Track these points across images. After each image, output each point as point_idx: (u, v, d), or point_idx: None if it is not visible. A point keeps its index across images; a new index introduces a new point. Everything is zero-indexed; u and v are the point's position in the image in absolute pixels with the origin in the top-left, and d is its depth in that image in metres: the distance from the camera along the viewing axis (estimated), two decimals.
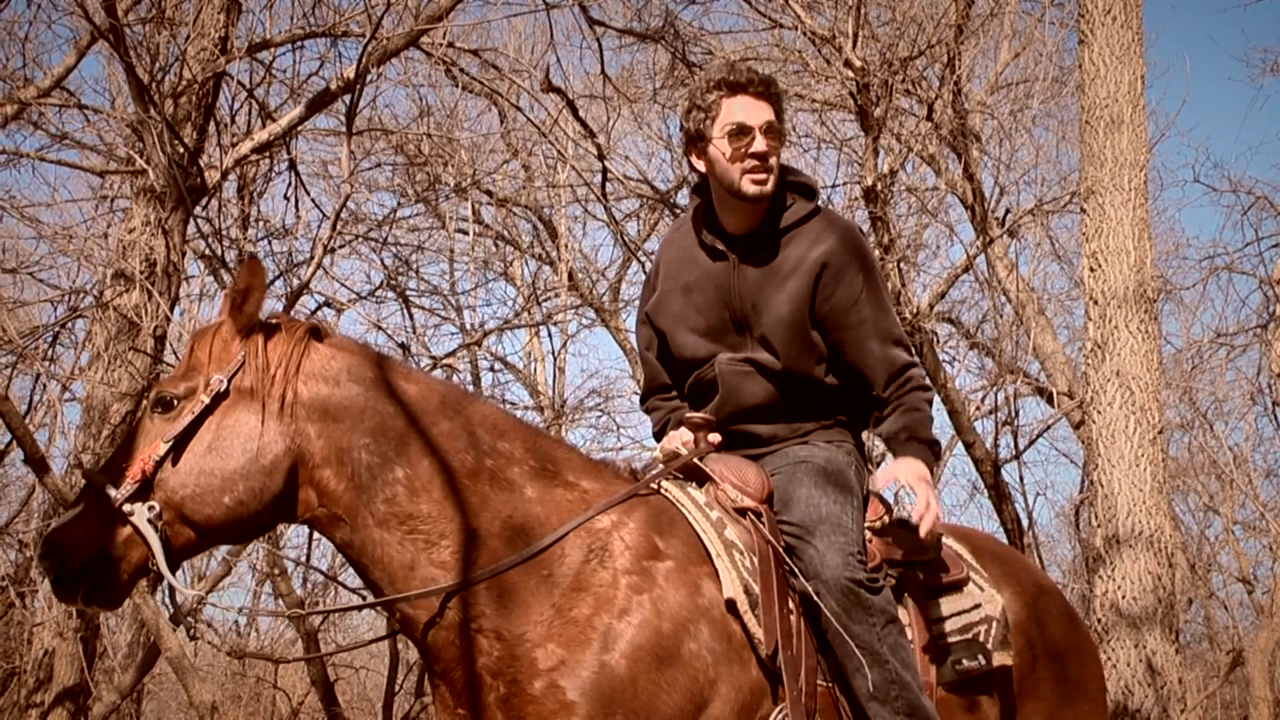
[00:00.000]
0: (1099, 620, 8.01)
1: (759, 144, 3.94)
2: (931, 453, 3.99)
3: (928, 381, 4.11)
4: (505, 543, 3.52)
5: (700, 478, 3.90)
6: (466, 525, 3.52)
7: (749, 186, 3.96)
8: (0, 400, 7.38)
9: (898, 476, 3.92)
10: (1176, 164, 46.31)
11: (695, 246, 4.15)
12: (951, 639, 3.99)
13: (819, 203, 4.13)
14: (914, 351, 4.13)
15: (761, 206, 4.03)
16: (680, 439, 4.01)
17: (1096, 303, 8.46)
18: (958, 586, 4.11)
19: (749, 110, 3.97)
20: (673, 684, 3.42)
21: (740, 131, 3.96)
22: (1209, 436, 19.07)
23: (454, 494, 3.53)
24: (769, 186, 3.97)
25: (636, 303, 5.44)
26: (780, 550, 3.70)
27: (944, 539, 4.30)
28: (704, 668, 3.47)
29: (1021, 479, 15.29)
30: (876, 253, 12.69)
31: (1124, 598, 7.97)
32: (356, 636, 18.95)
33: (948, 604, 4.05)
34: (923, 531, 3.81)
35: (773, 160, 3.97)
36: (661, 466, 3.93)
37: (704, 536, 3.69)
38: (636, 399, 4.52)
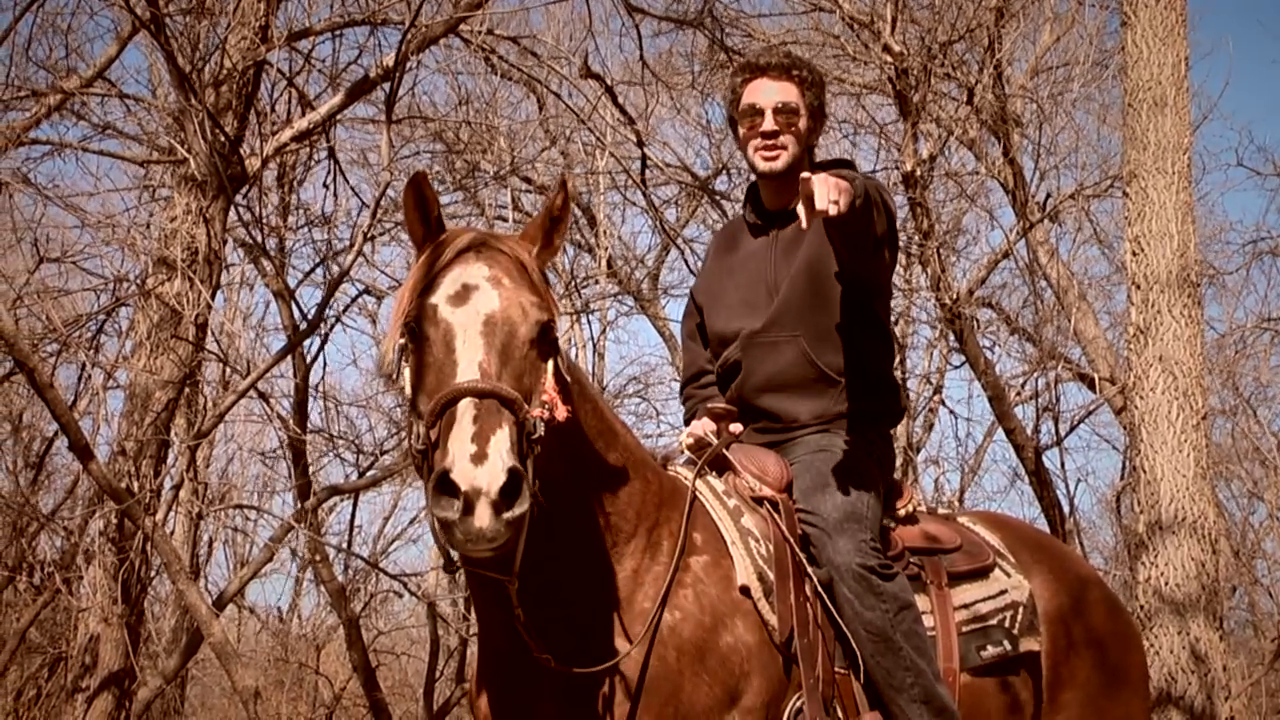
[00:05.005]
0: (1142, 607, 7.96)
1: (768, 123, 4.10)
2: (863, 189, 3.60)
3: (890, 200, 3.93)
4: (601, 540, 3.54)
5: (722, 466, 3.94)
6: (589, 525, 3.52)
7: (760, 162, 4.14)
8: (46, 389, 7.44)
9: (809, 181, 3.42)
10: (1219, 147, 45.73)
11: (743, 229, 4.31)
12: (975, 625, 4.01)
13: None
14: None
15: (790, 182, 4.06)
16: (703, 428, 4.04)
17: (1139, 287, 8.41)
18: (982, 573, 4.13)
19: (763, 91, 4.13)
20: (714, 676, 3.45)
21: (752, 112, 4.14)
22: (1252, 422, 18.90)
23: (586, 488, 3.52)
24: (779, 163, 4.10)
25: (675, 290, 5.48)
26: (794, 539, 3.71)
27: (974, 526, 4.31)
28: (739, 661, 3.50)
29: (1063, 465, 15.27)
30: (915, 238, 12.65)
31: (1167, 584, 7.93)
32: (397, 622, 19.08)
33: (971, 590, 4.08)
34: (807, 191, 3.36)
35: (784, 138, 4.10)
36: (687, 455, 4.00)
37: (720, 525, 3.71)
38: (676, 386, 4.55)
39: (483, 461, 2.87)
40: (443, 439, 2.95)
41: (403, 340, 3.22)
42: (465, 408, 2.96)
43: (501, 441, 2.91)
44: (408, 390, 3.21)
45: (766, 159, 4.11)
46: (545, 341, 3.19)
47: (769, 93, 4.12)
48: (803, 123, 4.12)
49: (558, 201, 3.34)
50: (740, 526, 3.70)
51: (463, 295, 3.17)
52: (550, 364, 3.19)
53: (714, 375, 4.30)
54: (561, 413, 3.13)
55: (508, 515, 2.88)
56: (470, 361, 3.06)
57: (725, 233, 4.47)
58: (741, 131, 4.18)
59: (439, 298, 3.18)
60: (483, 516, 2.85)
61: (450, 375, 3.06)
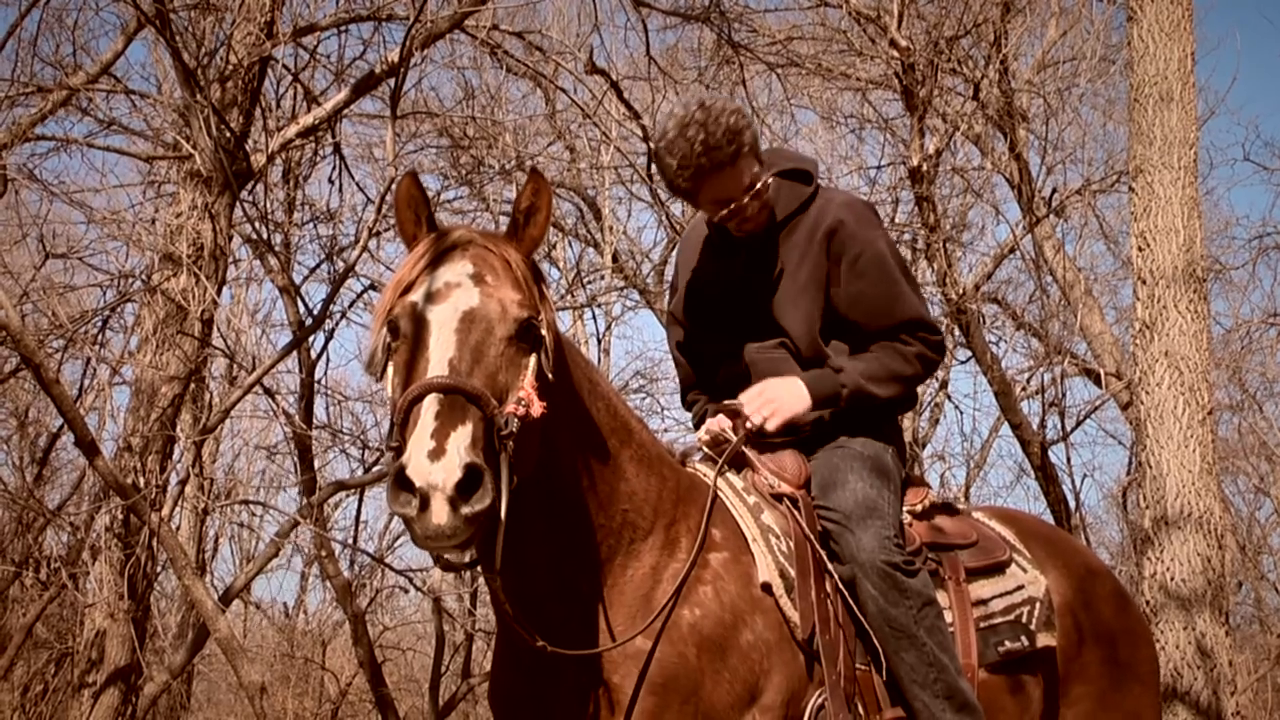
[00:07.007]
0: (1148, 602, 7.96)
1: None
2: (838, 389, 3.90)
3: (934, 351, 4.03)
4: (617, 537, 3.51)
5: (739, 463, 3.91)
6: (604, 522, 3.48)
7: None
8: (52, 384, 7.44)
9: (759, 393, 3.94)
10: (1226, 142, 45.85)
11: (709, 246, 4.18)
12: (993, 620, 3.99)
13: (818, 182, 4.11)
14: (937, 329, 4.07)
15: None
16: (719, 424, 4.00)
17: (1145, 282, 8.39)
18: (1000, 568, 4.10)
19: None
20: (734, 674, 3.43)
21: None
22: (1258, 418, 18.91)
23: (599, 484, 3.48)
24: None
25: None
26: (814, 535, 3.69)
27: (989, 521, 4.29)
28: (759, 658, 3.48)
29: (1069, 460, 15.24)
30: (922, 233, 12.64)
31: (1173, 579, 7.92)
32: (403, 618, 19.12)
33: (989, 586, 4.04)
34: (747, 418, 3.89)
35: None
36: (704, 451, 3.95)
37: (741, 522, 3.69)
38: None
39: (439, 457, 2.84)
40: (407, 436, 2.94)
41: (388, 338, 3.20)
42: (429, 404, 2.94)
43: (461, 438, 2.88)
44: (389, 388, 3.18)
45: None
46: (526, 339, 3.16)
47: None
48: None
49: (526, 193, 3.33)
50: (760, 523, 3.67)
51: (443, 293, 3.16)
52: (531, 361, 3.16)
53: (710, 386, 4.26)
54: (537, 409, 3.07)
55: (466, 511, 2.84)
56: (441, 359, 3.04)
57: (691, 247, 4.29)
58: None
59: (420, 295, 3.17)
60: (440, 513, 2.82)
61: (423, 372, 3.05)
